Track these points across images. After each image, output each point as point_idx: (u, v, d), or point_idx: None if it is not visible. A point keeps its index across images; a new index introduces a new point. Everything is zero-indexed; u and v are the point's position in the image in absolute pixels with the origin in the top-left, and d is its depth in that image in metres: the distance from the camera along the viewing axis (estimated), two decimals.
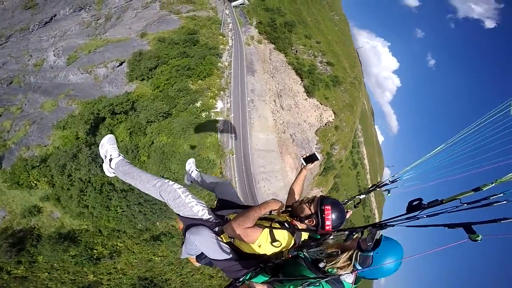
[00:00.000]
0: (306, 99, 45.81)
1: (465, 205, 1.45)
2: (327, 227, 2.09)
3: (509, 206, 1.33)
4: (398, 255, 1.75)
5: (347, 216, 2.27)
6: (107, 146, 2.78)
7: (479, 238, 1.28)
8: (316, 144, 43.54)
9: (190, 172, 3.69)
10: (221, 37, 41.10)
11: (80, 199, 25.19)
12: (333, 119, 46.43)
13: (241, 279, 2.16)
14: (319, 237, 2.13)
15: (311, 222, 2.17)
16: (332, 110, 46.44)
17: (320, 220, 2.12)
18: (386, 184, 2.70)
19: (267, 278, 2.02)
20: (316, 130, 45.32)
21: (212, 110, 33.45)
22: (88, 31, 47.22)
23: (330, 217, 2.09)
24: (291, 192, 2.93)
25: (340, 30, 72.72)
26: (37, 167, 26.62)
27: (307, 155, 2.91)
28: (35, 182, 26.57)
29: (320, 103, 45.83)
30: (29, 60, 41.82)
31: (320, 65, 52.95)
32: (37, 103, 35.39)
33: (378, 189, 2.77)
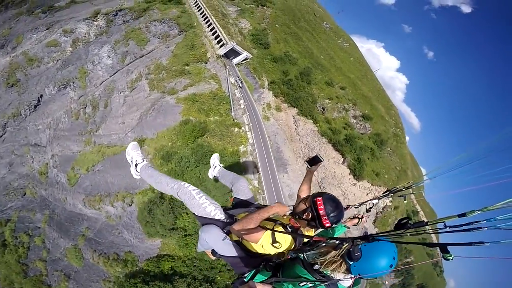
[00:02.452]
0: (354, 184, 34.47)
1: (448, 228, 1.52)
2: (323, 218, 2.07)
3: (493, 232, 1.36)
4: (388, 249, 1.70)
5: (364, 220, 2.60)
6: (132, 153, 3.03)
7: (450, 258, 1.36)
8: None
9: (213, 167, 3.78)
10: (236, 129, 29.46)
11: None
12: (390, 201, 35.27)
13: (245, 275, 2.21)
14: (313, 242, 2.06)
15: (308, 216, 2.17)
16: (386, 188, 35.19)
17: (315, 212, 2.11)
18: (401, 190, 2.64)
19: (266, 278, 2.03)
20: (374, 221, 33.99)
21: None
22: (79, 125, 39.60)
23: (323, 207, 2.07)
24: (298, 195, 2.83)
25: (356, 59, 61.90)
26: None
27: (311, 157, 2.80)
28: None
29: (371, 184, 34.56)
30: (32, 161, 40.09)
31: (355, 121, 41.76)
32: (59, 247, 33.17)
33: (391, 194, 2.67)
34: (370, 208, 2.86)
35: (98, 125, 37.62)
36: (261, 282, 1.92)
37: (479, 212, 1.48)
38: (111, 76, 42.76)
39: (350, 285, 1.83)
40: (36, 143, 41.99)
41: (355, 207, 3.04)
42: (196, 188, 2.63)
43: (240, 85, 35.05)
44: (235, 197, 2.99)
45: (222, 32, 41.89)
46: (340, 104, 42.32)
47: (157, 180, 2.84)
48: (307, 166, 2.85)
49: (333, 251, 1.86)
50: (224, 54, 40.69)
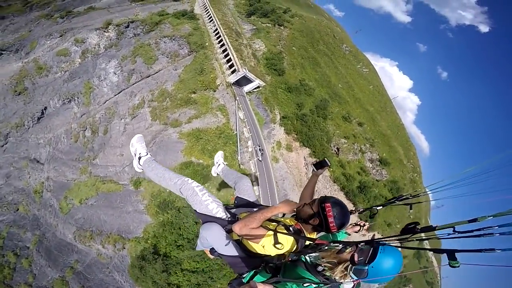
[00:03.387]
0: (364, 235, 30.26)
1: (456, 233, 1.45)
2: (330, 224, 2.01)
3: (505, 238, 1.30)
4: (393, 267, 1.65)
5: (366, 227, 2.55)
6: (137, 145, 2.88)
7: (456, 265, 1.30)
8: None
9: (217, 164, 3.74)
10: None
11: None
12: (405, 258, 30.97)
13: (245, 275, 2.14)
14: (316, 245, 2.04)
15: (315, 221, 2.09)
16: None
17: (322, 218, 2.04)
18: (407, 198, 2.56)
19: (265, 279, 1.96)
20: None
21: None
22: (77, 149, 37.73)
23: (332, 213, 2.01)
24: (301, 198, 2.70)
25: (375, 88, 57.30)
26: None
27: (317, 160, 2.80)
28: None
29: (381, 235, 30.28)
30: (29, 177, 38.49)
31: (371, 166, 37.50)
32: (46, 276, 31.31)
33: (397, 202, 2.63)
34: (374, 214, 2.67)
35: (96, 153, 35.24)
36: (262, 282, 1.81)
37: (491, 217, 1.42)
38: (115, 95, 40.28)
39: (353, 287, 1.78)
40: (36, 158, 40.68)
41: (359, 212, 2.91)
42: (200, 185, 2.55)
43: (260, 158, 29.63)
44: (237, 196, 2.91)
45: (235, 56, 38.53)
46: (356, 144, 38.13)
47: (159, 174, 2.70)
48: (313, 169, 2.78)
49: (338, 266, 1.80)
50: (235, 81, 37.30)
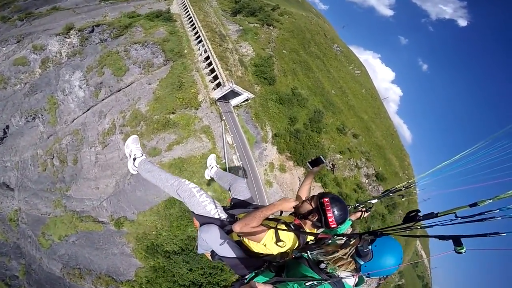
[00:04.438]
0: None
1: (459, 219, 1.42)
2: (329, 219, 1.97)
3: (506, 222, 1.29)
4: (397, 250, 1.69)
5: (366, 215, 2.67)
6: (132, 146, 2.80)
7: (462, 251, 1.29)
8: None
9: (210, 167, 3.65)
10: None
11: None
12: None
13: (247, 276, 2.09)
14: (319, 240, 2.07)
15: (314, 217, 2.07)
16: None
17: (321, 213, 2.01)
18: (400, 190, 2.57)
19: (268, 279, 1.94)
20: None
21: None
22: (46, 179, 32.76)
23: (330, 208, 1.97)
24: (298, 196, 2.61)
25: (368, 91, 54.23)
26: None
27: (313, 158, 2.72)
28: None
29: None
30: (1, 203, 34.16)
31: (367, 182, 35.03)
32: None
33: (391, 194, 2.64)
34: (370, 208, 2.74)
35: (68, 185, 30.57)
36: (263, 283, 1.76)
37: (491, 201, 1.42)
38: (84, 113, 34.60)
39: (355, 283, 1.78)
40: (5, 182, 36.09)
41: (354, 207, 2.93)
42: (197, 186, 2.48)
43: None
44: (233, 198, 2.83)
45: (219, 66, 33.65)
46: (352, 160, 35.26)
47: (155, 176, 2.60)
48: (309, 167, 2.74)
49: (341, 250, 1.77)
50: (221, 96, 32.66)
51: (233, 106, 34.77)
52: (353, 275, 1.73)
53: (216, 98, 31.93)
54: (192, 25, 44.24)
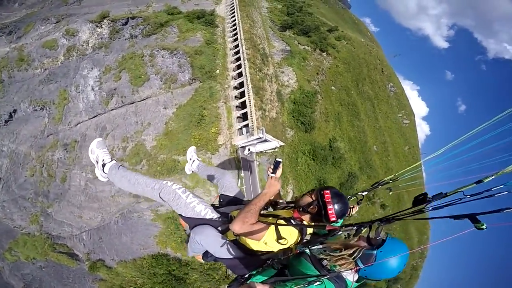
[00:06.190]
0: None
1: (468, 197, 1.40)
2: (329, 211, 1.91)
3: (510, 196, 1.31)
4: (402, 255, 1.64)
5: (354, 212, 2.42)
6: (98, 151, 2.40)
7: (484, 227, 1.26)
8: None
9: (191, 161, 3.24)
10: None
11: None
12: None
13: (246, 276, 2.03)
14: (326, 232, 2.00)
15: (314, 209, 1.99)
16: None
17: (321, 205, 1.94)
18: (388, 183, 2.65)
19: (267, 277, 1.90)
20: None
21: None
22: (31, 185, 29.68)
23: (331, 201, 1.91)
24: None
25: (411, 149, 44.36)
26: None
27: (271, 166, 2.32)
28: None
29: None
30: None
31: None
32: None
33: (380, 187, 2.72)
34: (360, 200, 2.68)
35: (51, 202, 26.85)
36: (261, 282, 1.74)
37: (493, 177, 1.44)
38: (89, 119, 30.08)
39: (355, 279, 1.77)
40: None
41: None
42: (182, 186, 2.20)
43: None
44: (221, 194, 2.59)
45: (252, 103, 26.65)
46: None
47: (131, 181, 2.22)
48: (270, 175, 2.43)
49: (345, 250, 1.77)
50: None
51: (256, 152, 27.98)
52: (353, 270, 1.68)
53: (239, 146, 25.33)
54: (234, 35, 37.29)
